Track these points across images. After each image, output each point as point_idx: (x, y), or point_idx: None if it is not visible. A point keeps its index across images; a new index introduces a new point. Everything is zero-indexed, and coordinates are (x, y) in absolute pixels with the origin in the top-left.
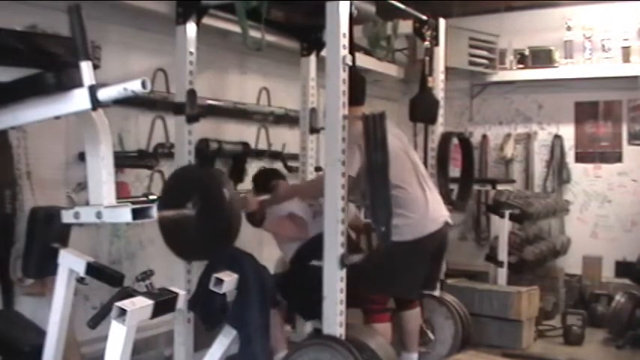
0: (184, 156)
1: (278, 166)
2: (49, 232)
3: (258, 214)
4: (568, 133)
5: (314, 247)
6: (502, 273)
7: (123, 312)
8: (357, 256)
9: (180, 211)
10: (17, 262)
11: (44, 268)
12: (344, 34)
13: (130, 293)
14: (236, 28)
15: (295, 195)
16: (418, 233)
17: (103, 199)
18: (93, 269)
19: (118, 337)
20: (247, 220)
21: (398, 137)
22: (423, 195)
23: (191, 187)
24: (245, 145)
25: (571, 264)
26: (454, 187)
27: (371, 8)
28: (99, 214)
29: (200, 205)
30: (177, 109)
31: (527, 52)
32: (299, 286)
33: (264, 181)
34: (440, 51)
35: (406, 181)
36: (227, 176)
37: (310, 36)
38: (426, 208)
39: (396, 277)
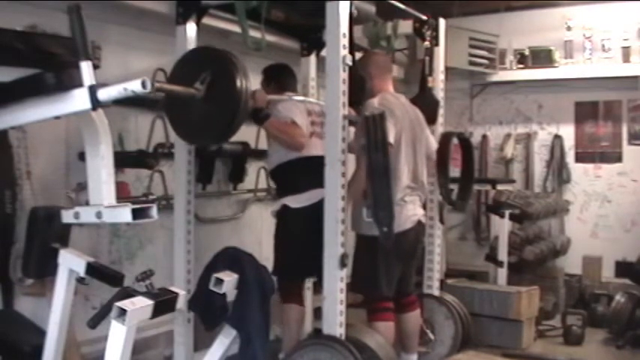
0: (184, 156)
1: None
2: (49, 232)
3: (264, 111)
4: (568, 133)
5: (296, 174)
6: (502, 273)
7: (123, 312)
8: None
9: (186, 89)
10: (17, 262)
11: (44, 268)
12: (344, 34)
13: (130, 293)
14: (236, 28)
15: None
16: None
17: (103, 199)
18: (93, 269)
19: (118, 337)
20: (251, 115)
21: (412, 125)
22: (402, 190)
23: (203, 66)
24: (245, 145)
25: (571, 264)
26: (454, 187)
27: (371, 8)
28: (99, 214)
29: (209, 87)
30: None
31: (527, 52)
32: (287, 251)
33: (276, 75)
34: (440, 51)
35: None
36: (242, 64)
37: (310, 36)
38: (402, 207)
39: (368, 272)
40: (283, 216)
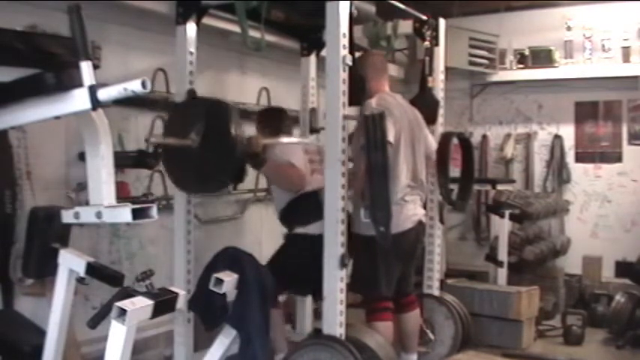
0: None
1: None
2: (49, 232)
3: (260, 156)
4: (568, 133)
5: (302, 209)
6: (502, 273)
7: (123, 312)
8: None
9: (182, 141)
10: (17, 262)
11: (44, 268)
12: (344, 34)
13: (130, 293)
14: (236, 28)
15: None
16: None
17: (103, 199)
18: (93, 269)
19: (118, 337)
20: (249, 161)
21: (410, 124)
22: (402, 190)
23: (197, 117)
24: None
25: (571, 264)
26: (454, 187)
27: (371, 8)
28: (99, 214)
29: (204, 137)
30: None
31: (527, 52)
32: (289, 262)
33: (271, 119)
34: (440, 51)
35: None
36: (235, 112)
37: (310, 36)
38: (402, 206)
39: (369, 272)
40: (294, 239)
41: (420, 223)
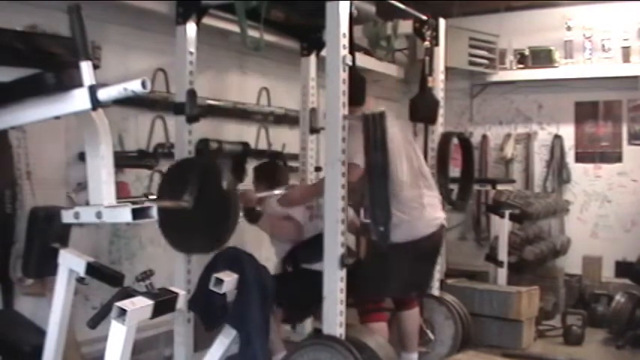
0: (184, 156)
1: None
2: (49, 232)
3: (255, 211)
4: (568, 133)
5: (307, 250)
6: (502, 273)
7: (123, 312)
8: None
9: (176, 203)
10: (17, 262)
11: (44, 268)
12: (344, 34)
13: (130, 293)
14: (236, 28)
15: (307, 198)
16: (411, 236)
17: (103, 199)
18: (93, 269)
19: (118, 337)
20: (244, 215)
21: (403, 134)
22: (419, 197)
23: (189, 178)
24: (245, 145)
25: (571, 264)
26: (454, 187)
27: (371, 8)
28: (99, 214)
29: (198, 198)
30: (177, 109)
31: (527, 52)
32: (291, 289)
33: (266, 174)
34: (440, 51)
35: (403, 182)
36: (226, 169)
37: (310, 36)
38: (422, 210)
39: (388, 278)
40: (296, 271)
41: (442, 227)
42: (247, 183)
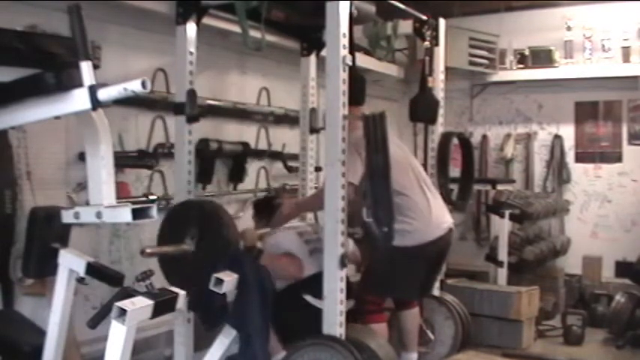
0: (184, 156)
1: (278, 166)
2: (49, 232)
3: (255, 249)
4: (568, 133)
5: (309, 282)
6: (502, 273)
7: (123, 312)
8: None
9: (178, 247)
10: (17, 262)
11: (44, 268)
12: (344, 34)
13: (130, 293)
14: (236, 28)
15: (300, 211)
16: (420, 239)
17: (103, 199)
18: (93, 269)
19: (118, 337)
20: None
21: (400, 146)
22: (425, 201)
23: (190, 221)
24: (245, 145)
25: (571, 264)
26: (454, 187)
27: (371, 8)
28: (99, 214)
29: (199, 240)
30: (177, 109)
31: (527, 52)
32: (286, 316)
33: (264, 208)
34: (440, 51)
35: (407, 187)
36: (225, 210)
37: (310, 36)
38: (429, 215)
39: (395, 281)
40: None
41: (451, 231)
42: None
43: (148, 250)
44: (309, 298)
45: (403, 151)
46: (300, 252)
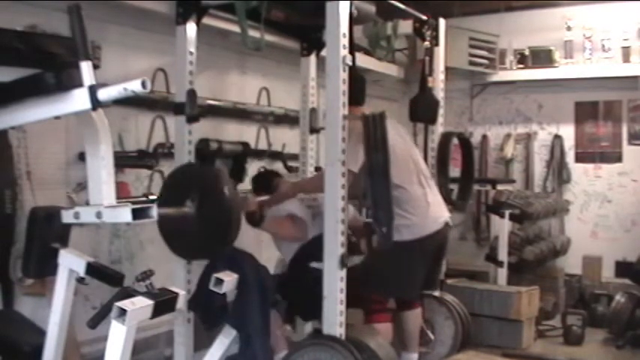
0: (184, 156)
1: (278, 166)
2: (49, 232)
3: (257, 214)
4: (568, 133)
5: (313, 248)
6: (502, 273)
7: (123, 312)
8: (357, 257)
9: (179, 210)
10: (17, 262)
11: (44, 268)
12: (344, 34)
13: (130, 293)
14: (236, 28)
15: (298, 191)
16: (418, 234)
17: (103, 199)
18: (93, 269)
19: (118, 337)
20: (246, 220)
21: (401, 136)
22: (423, 195)
23: (190, 185)
24: (245, 145)
25: (571, 264)
26: (454, 187)
27: (371, 8)
28: (99, 214)
29: (200, 204)
30: (177, 109)
31: (527, 52)
32: (298, 288)
33: (264, 182)
34: (440, 51)
35: (407, 181)
36: (227, 174)
37: (310, 36)
38: (427, 209)
39: (396, 277)
40: (305, 270)
41: (447, 225)
42: (247, 188)
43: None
44: (315, 264)
45: (405, 143)
46: (304, 215)
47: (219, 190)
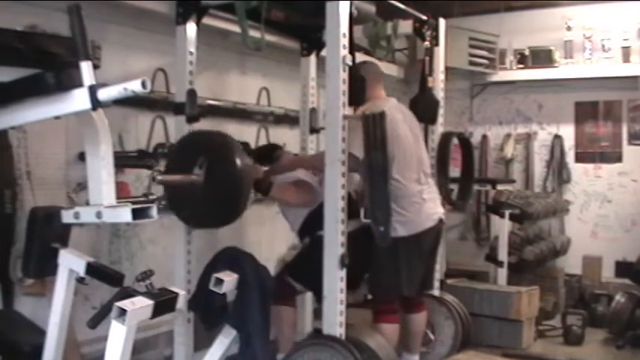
0: None
1: None
2: (49, 232)
3: (264, 182)
4: (568, 133)
5: (321, 218)
6: (502, 273)
7: (123, 312)
8: (355, 221)
9: (187, 176)
10: (17, 262)
11: (44, 268)
12: (344, 34)
13: (130, 293)
14: (236, 28)
15: (298, 166)
16: (413, 230)
17: (103, 199)
18: (93, 269)
19: (118, 337)
20: (254, 188)
21: (412, 130)
22: (420, 192)
23: (200, 151)
24: (245, 145)
25: (571, 264)
26: (454, 187)
27: (371, 8)
28: (99, 214)
29: (208, 171)
30: (177, 109)
31: (527, 52)
32: (310, 262)
33: (266, 153)
34: (440, 51)
35: (406, 177)
36: (237, 143)
37: (310, 36)
38: (422, 205)
39: (391, 274)
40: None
41: (441, 222)
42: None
43: (159, 177)
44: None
45: (415, 139)
46: (311, 180)
47: (229, 157)
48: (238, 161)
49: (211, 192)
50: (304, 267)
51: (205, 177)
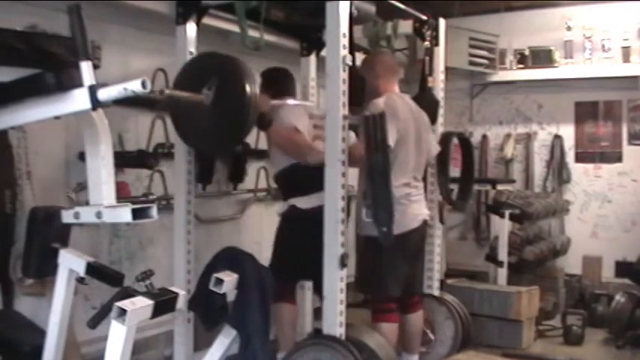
0: (184, 156)
1: None
2: (49, 232)
3: (267, 116)
4: (568, 133)
5: (300, 177)
6: (502, 273)
7: (123, 312)
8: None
9: (196, 95)
10: (17, 262)
11: (44, 268)
12: (344, 34)
13: (130, 293)
14: (236, 28)
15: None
16: (397, 230)
17: (103, 199)
18: (93, 269)
19: (118, 337)
20: (257, 120)
21: (416, 125)
22: (407, 193)
23: (211, 72)
24: (245, 145)
25: (571, 264)
26: (454, 187)
27: (371, 8)
28: (99, 214)
29: (217, 92)
30: None
31: (527, 52)
32: (287, 244)
33: (274, 80)
34: (440, 51)
35: (398, 178)
36: (249, 68)
37: (310, 36)
38: (407, 207)
39: (376, 273)
40: (290, 216)
41: (425, 223)
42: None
43: (167, 91)
44: (296, 202)
45: (418, 137)
46: (307, 134)
47: (239, 81)
48: (248, 87)
49: (218, 114)
50: (280, 253)
51: (214, 98)
